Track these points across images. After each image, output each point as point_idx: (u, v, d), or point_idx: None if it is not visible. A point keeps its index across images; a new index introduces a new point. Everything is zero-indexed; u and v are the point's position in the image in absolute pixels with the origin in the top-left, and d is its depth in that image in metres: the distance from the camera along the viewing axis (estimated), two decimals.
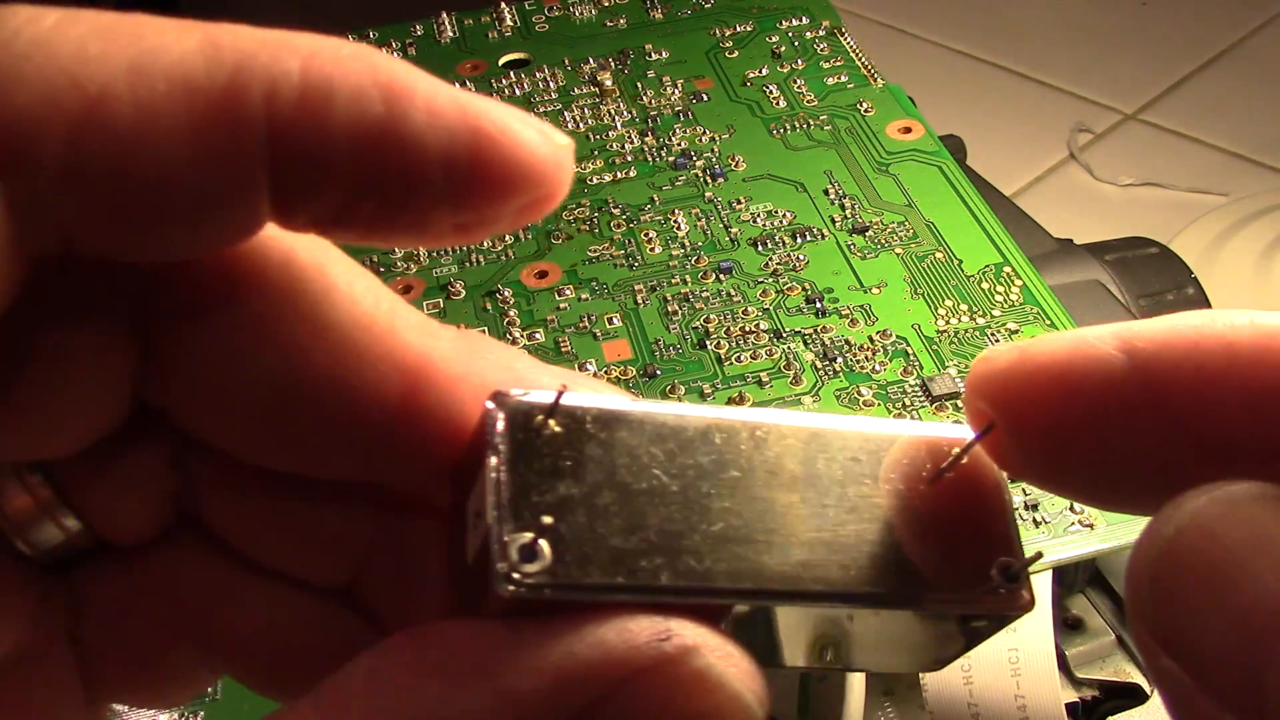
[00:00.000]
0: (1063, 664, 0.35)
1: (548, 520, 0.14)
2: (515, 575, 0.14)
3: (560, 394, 0.15)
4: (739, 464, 0.15)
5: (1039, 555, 0.16)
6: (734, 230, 0.43)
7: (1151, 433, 0.14)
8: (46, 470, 0.17)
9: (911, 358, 0.38)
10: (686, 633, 0.14)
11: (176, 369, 0.16)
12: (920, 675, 0.33)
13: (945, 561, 0.16)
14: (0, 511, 0.17)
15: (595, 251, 0.43)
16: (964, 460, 0.16)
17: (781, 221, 0.44)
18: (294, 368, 0.15)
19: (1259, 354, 0.14)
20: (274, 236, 0.16)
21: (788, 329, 0.39)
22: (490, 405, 0.15)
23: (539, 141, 0.14)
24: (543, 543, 0.14)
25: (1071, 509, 0.34)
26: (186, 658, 0.18)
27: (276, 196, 0.14)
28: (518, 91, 0.51)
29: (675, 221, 0.44)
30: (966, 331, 0.39)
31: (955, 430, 0.16)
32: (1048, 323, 0.39)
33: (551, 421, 0.15)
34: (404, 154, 0.14)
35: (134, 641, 0.18)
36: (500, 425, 0.14)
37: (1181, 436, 0.14)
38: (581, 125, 0.49)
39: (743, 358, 0.39)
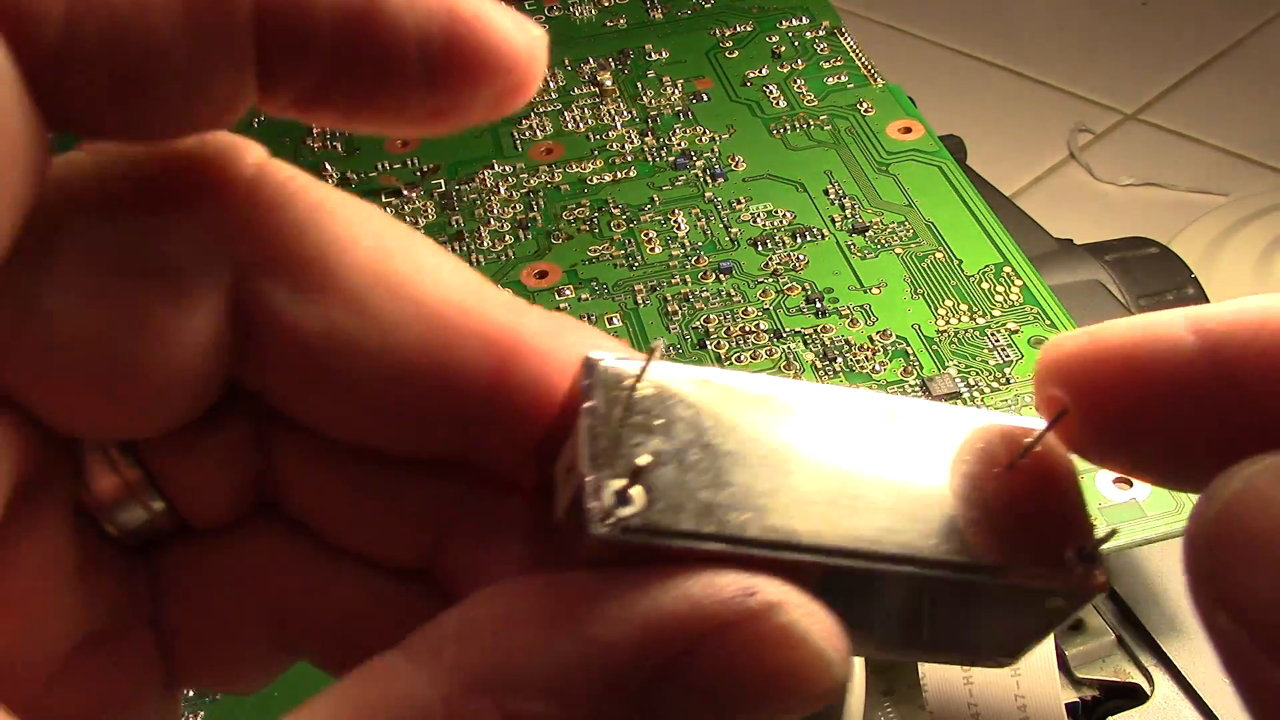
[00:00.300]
0: (1063, 664, 0.35)
1: (640, 467, 0.14)
2: (608, 519, 0.14)
3: (651, 355, 0.15)
4: (823, 434, 0.16)
5: (1114, 532, 0.16)
6: (734, 230, 0.43)
7: (1222, 412, 0.15)
8: (133, 450, 0.17)
9: (911, 358, 0.38)
10: (771, 589, 0.14)
11: (276, 349, 0.16)
12: (920, 675, 0.33)
13: (1022, 541, 0.16)
14: (89, 491, 0.17)
15: (595, 251, 0.43)
16: (1037, 447, 0.16)
17: (781, 221, 0.44)
18: (390, 345, 0.16)
19: None
20: (364, 219, 0.16)
21: (788, 329, 0.39)
22: (585, 365, 0.15)
23: (513, 29, 0.15)
24: (635, 489, 0.14)
25: None
26: (265, 641, 0.19)
27: (261, 73, 0.14)
28: None
29: (675, 221, 0.44)
30: (966, 331, 0.39)
31: (1026, 420, 0.17)
32: (1048, 323, 0.39)
33: (641, 384, 0.15)
34: (382, 34, 0.14)
35: (213, 625, 0.18)
36: (595, 383, 0.15)
37: (1251, 414, 0.15)
38: (581, 125, 0.49)
39: (743, 358, 0.39)
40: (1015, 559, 0.16)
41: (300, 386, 0.16)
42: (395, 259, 0.16)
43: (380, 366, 0.16)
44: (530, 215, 0.45)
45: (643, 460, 0.14)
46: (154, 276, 0.15)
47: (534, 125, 0.49)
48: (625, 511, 0.14)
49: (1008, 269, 0.41)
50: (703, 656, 0.14)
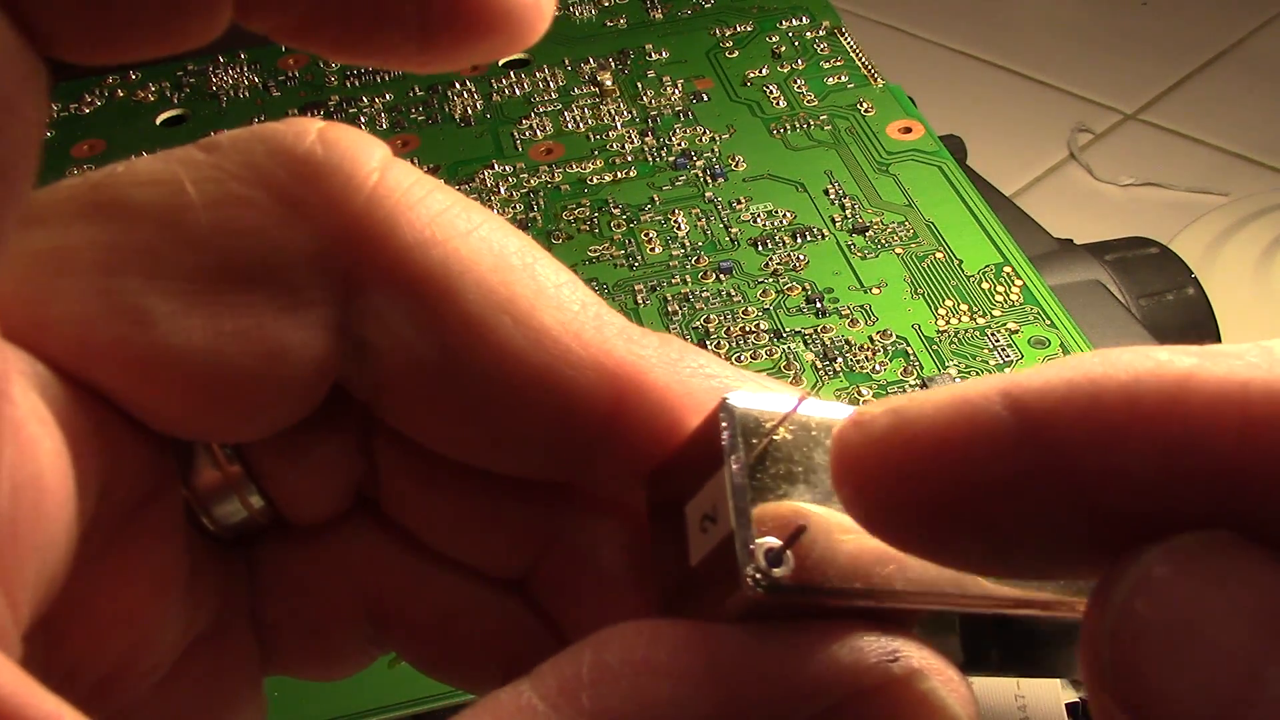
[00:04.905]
0: None
1: (798, 530, 0.14)
2: (760, 577, 0.14)
3: (800, 402, 0.15)
4: None
5: None
6: (734, 230, 0.43)
7: (1052, 502, 0.12)
8: (236, 447, 0.17)
9: (911, 358, 0.38)
10: (913, 654, 0.14)
11: (387, 366, 0.16)
12: None
13: None
14: (190, 486, 0.17)
15: (595, 251, 0.43)
16: (788, 553, 0.15)
17: (781, 221, 0.44)
18: (506, 370, 0.15)
19: (1168, 407, 0.12)
20: (487, 232, 0.16)
21: (788, 329, 0.39)
22: (723, 410, 0.15)
23: None
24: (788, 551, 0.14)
25: None
26: (359, 634, 0.19)
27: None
28: (518, 91, 0.51)
29: (675, 221, 0.44)
30: (967, 331, 0.39)
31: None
32: (1048, 323, 0.39)
33: (782, 428, 0.15)
34: None
35: (309, 617, 0.18)
36: (734, 429, 0.14)
37: (1087, 505, 0.12)
38: (581, 125, 0.49)
39: (743, 358, 0.39)
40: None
41: (410, 404, 0.16)
42: (516, 280, 0.16)
43: (495, 392, 0.16)
44: (530, 215, 0.45)
45: (796, 517, 0.14)
46: (262, 285, 0.15)
47: (534, 125, 0.49)
48: (779, 572, 0.14)
49: (1008, 269, 0.41)
50: (843, 719, 0.14)
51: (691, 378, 0.16)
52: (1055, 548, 0.13)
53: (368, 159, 0.16)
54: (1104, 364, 0.12)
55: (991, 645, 0.16)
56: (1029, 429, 0.12)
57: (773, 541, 0.14)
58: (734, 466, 0.14)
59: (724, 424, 0.14)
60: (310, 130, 0.16)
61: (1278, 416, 0.12)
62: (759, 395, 0.15)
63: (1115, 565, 0.12)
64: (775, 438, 0.15)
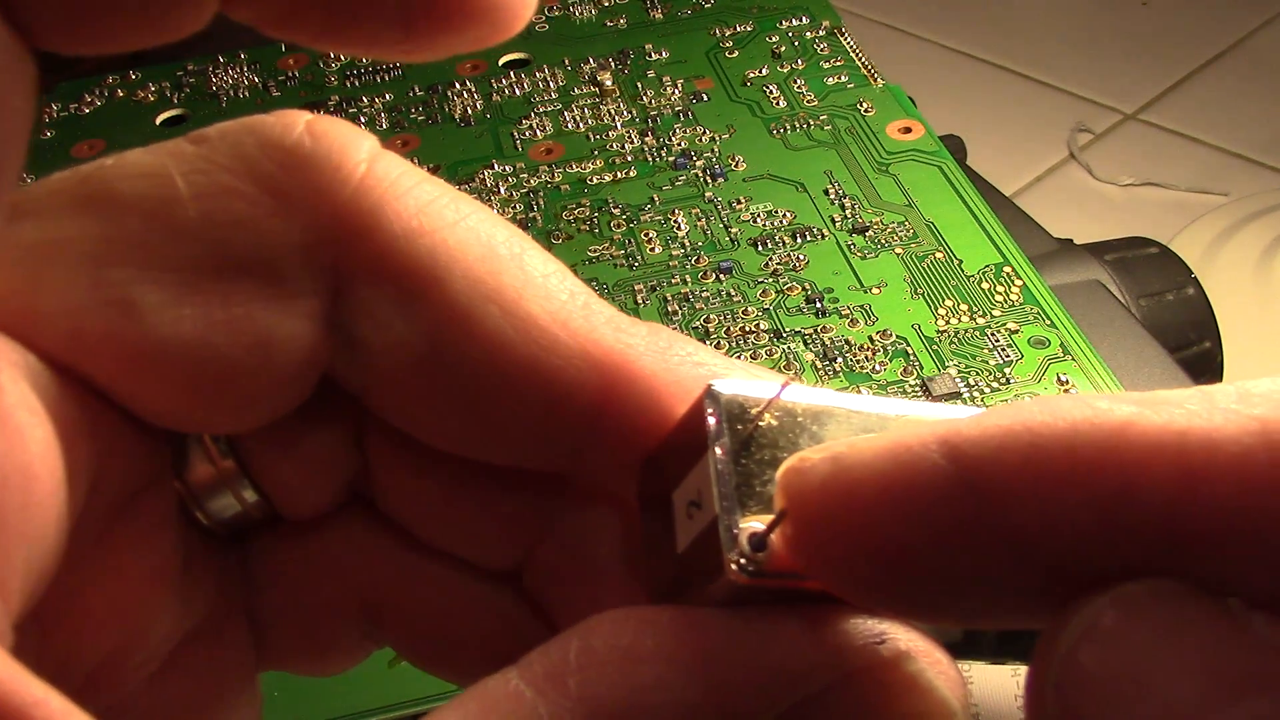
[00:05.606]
0: None
1: (781, 514, 0.14)
2: (744, 562, 0.14)
3: (783, 388, 0.15)
4: None
5: None
6: (734, 230, 0.43)
7: (994, 552, 0.12)
8: (230, 441, 0.17)
9: (911, 358, 0.38)
10: (900, 636, 0.14)
11: (377, 357, 0.16)
12: None
13: None
14: (183, 481, 0.17)
15: (595, 251, 0.43)
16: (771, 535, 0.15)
17: (781, 221, 0.44)
18: (494, 361, 0.15)
19: (1105, 457, 0.12)
20: (475, 222, 0.16)
21: (788, 329, 0.39)
22: (709, 397, 0.15)
23: None
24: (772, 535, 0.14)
25: None
26: (354, 628, 0.19)
27: None
28: (518, 91, 0.51)
29: (675, 221, 0.44)
30: (967, 331, 0.39)
31: None
32: (1048, 323, 0.39)
33: (767, 414, 0.15)
34: None
35: (304, 612, 0.18)
36: (720, 416, 0.14)
37: (1028, 554, 0.12)
38: (581, 125, 0.49)
39: (743, 358, 0.39)
40: None
41: (399, 395, 0.16)
42: (504, 270, 0.16)
43: (483, 382, 0.16)
44: (530, 215, 0.45)
45: (780, 504, 0.14)
46: (251, 276, 0.15)
47: (534, 125, 0.49)
48: (763, 556, 0.14)
49: (1008, 269, 0.41)
50: (831, 702, 0.14)
51: (680, 366, 0.16)
52: (1001, 597, 0.13)
53: (356, 150, 0.16)
54: (1042, 412, 0.12)
55: (982, 628, 0.16)
56: (967, 478, 0.12)
57: (757, 526, 0.14)
58: (718, 452, 0.14)
59: (709, 410, 0.15)
60: (298, 122, 0.16)
61: (1215, 466, 0.11)
62: (745, 381, 0.15)
63: (1060, 615, 0.12)
64: (761, 424, 0.15)
